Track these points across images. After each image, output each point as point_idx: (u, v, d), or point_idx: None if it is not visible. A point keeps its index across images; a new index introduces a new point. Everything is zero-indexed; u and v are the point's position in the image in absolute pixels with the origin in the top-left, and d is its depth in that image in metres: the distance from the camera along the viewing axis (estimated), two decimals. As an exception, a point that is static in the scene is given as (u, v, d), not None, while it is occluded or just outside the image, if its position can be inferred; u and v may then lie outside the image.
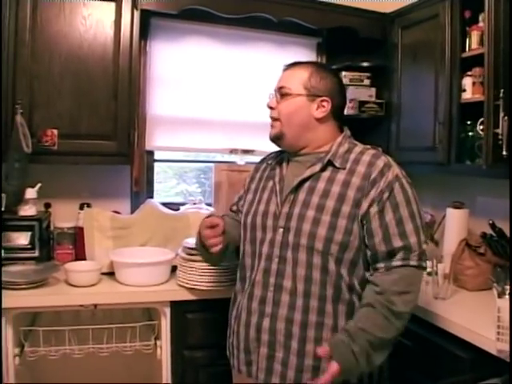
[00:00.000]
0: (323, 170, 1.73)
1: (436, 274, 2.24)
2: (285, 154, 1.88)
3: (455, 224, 2.57)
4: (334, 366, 1.52)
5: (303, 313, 1.66)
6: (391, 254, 1.63)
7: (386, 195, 1.64)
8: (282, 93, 1.78)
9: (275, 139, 1.83)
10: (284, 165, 1.85)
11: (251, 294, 1.77)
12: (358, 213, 1.65)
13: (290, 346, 1.67)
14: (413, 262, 1.63)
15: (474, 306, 2.14)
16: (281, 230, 1.72)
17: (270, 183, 1.85)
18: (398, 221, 1.64)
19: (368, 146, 1.81)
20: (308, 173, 1.74)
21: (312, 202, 1.69)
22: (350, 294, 1.67)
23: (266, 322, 1.71)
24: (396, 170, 1.70)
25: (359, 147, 1.79)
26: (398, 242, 1.63)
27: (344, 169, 1.71)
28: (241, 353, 1.80)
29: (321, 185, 1.71)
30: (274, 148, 1.93)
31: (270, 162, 1.94)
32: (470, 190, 2.71)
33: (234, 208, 2.07)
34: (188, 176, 3.43)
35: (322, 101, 1.76)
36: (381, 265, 1.64)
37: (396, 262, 1.62)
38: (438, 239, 2.81)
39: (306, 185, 1.73)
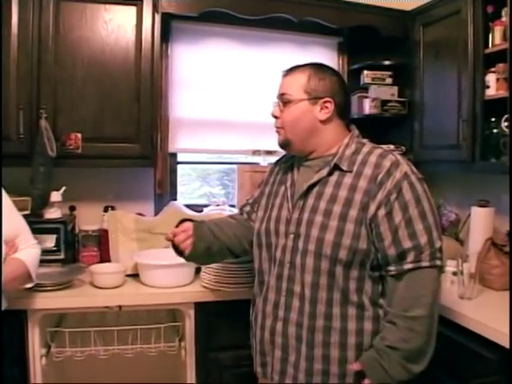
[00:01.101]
0: (330, 173, 1.71)
1: (462, 273, 2.22)
2: (296, 157, 1.87)
3: (480, 223, 2.53)
4: (366, 382, 1.58)
5: (310, 318, 1.66)
6: (402, 255, 1.60)
7: (393, 196, 1.60)
8: (283, 100, 1.76)
9: (283, 146, 1.82)
10: (295, 169, 1.84)
11: (266, 297, 1.79)
12: (365, 216, 1.62)
13: (300, 350, 1.69)
14: (425, 263, 1.59)
15: (501, 305, 2.09)
16: (291, 235, 1.72)
17: (282, 188, 1.85)
18: (408, 221, 1.60)
19: (378, 146, 1.77)
20: (316, 178, 1.72)
21: (320, 207, 1.68)
22: (359, 295, 1.65)
23: (279, 326, 1.73)
24: (404, 167, 1.64)
25: (367, 147, 1.74)
26: (407, 243, 1.60)
27: (351, 172, 1.68)
28: (257, 354, 1.84)
29: (328, 189, 1.69)
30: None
31: (282, 165, 1.95)
32: (495, 187, 2.66)
33: (247, 209, 2.07)
34: (211, 178, 3.44)
35: (325, 102, 1.73)
36: (392, 267, 1.62)
37: (407, 266, 1.60)
38: (464, 238, 2.78)
39: (315, 190, 1.72)
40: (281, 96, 1.78)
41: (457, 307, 2.05)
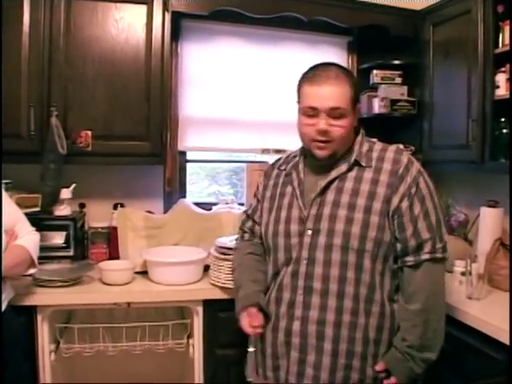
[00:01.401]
0: (349, 169, 1.74)
1: (470, 273, 2.21)
2: (298, 157, 1.87)
3: (489, 223, 2.52)
4: (392, 380, 1.69)
5: (336, 313, 1.67)
6: (420, 246, 1.70)
7: (413, 190, 1.70)
8: (336, 114, 1.69)
9: (328, 158, 1.75)
10: (300, 168, 1.83)
11: (278, 298, 1.76)
12: (388, 208, 1.69)
13: (322, 348, 1.68)
14: (439, 255, 1.71)
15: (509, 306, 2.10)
16: (309, 231, 1.72)
17: (289, 188, 1.84)
18: (425, 214, 1.70)
19: (386, 144, 1.82)
20: (334, 174, 1.74)
21: (342, 201, 1.70)
22: (381, 291, 1.70)
23: (296, 326, 1.71)
24: (418, 165, 1.75)
25: (378, 145, 1.81)
26: (425, 235, 1.70)
27: (370, 167, 1.73)
28: (267, 358, 1.79)
29: (349, 184, 1.72)
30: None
31: (282, 167, 1.93)
32: (505, 188, 2.63)
33: (249, 224, 2.02)
34: (220, 177, 3.45)
35: (359, 107, 1.78)
36: (410, 258, 1.71)
37: (424, 256, 1.70)
38: (472, 239, 2.77)
39: (333, 185, 1.73)
40: (332, 110, 1.69)
41: (465, 307, 2.05)
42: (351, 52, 3.30)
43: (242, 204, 3.00)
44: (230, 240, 2.35)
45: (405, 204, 1.69)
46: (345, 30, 3.07)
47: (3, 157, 2.35)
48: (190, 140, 3.05)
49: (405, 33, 3.00)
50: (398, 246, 1.72)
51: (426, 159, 2.78)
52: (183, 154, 3.11)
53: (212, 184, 3.42)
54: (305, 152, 1.86)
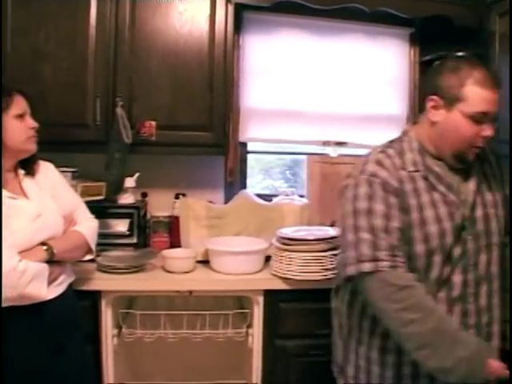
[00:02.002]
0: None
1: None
2: (420, 156, 1.68)
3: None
4: None
5: (500, 309, 1.69)
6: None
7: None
8: (495, 118, 1.63)
9: None
10: (439, 171, 1.66)
11: (448, 312, 1.62)
12: (505, 199, 1.78)
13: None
14: None
15: None
16: (470, 237, 1.64)
17: (436, 195, 1.64)
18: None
19: None
20: (477, 174, 1.71)
21: (487, 200, 1.71)
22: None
23: None
24: None
25: None
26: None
27: (485, 161, 1.77)
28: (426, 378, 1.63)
29: (482, 182, 1.72)
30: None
31: (409, 168, 1.65)
32: None
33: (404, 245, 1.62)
34: (274, 171, 3.44)
35: None
36: (506, 238, 1.81)
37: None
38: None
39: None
40: (495, 114, 1.62)
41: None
42: (413, 44, 3.23)
43: (302, 196, 2.98)
44: (292, 231, 2.35)
45: (508, 192, 1.80)
46: (407, 21, 3.02)
47: (69, 147, 2.45)
48: (251, 131, 3.07)
49: (469, 23, 2.91)
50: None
51: (491, 153, 2.71)
52: (244, 145, 3.12)
53: (266, 178, 3.42)
54: (421, 149, 1.69)
